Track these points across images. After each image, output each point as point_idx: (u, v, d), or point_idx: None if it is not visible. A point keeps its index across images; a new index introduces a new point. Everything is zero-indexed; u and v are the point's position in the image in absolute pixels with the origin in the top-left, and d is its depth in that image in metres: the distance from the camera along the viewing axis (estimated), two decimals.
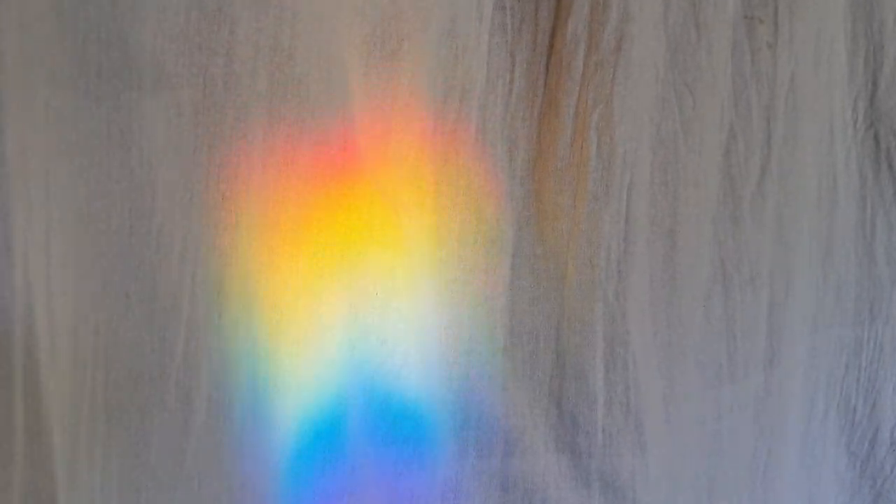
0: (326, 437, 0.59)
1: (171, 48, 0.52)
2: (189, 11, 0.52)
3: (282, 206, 0.56)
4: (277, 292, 0.56)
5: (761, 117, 0.71)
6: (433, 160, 0.62)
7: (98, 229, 0.50)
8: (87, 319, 0.50)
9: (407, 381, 0.61)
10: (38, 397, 0.47)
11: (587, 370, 0.65)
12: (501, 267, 0.63)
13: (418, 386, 0.61)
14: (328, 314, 0.58)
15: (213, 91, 0.53)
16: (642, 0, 0.63)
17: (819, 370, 0.80)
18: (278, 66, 0.54)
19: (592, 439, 0.65)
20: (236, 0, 0.53)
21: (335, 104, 0.57)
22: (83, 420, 0.50)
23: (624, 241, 0.65)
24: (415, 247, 0.61)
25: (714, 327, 0.73)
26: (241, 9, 0.53)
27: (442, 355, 0.62)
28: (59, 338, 0.49)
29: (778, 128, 0.72)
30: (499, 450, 0.64)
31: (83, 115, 0.49)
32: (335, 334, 0.58)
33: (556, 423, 0.65)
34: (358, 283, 0.59)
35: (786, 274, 0.75)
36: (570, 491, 0.65)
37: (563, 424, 0.65)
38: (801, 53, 0.72)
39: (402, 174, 0.61)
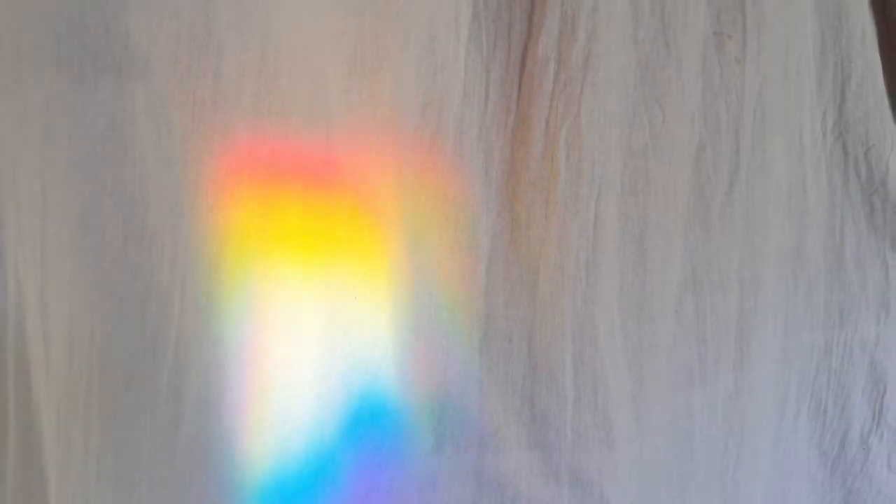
0: (309, 432, 0.62)
1: (163, 70, 0.55)
2: (179, 36, 0.56)
3: (266, 217, 0.60)
4: (262, 297, 0.60)
5: (730, 129, 0.74)
6: (412, 171, 0.65)
7: (93, 239, 0.54)
8: (83, 323, 0.54)
9: (386, 380, 0.64)
10: (29, 395, 0.51)
11: (557, 370, 0.68)
12: (477, 273, 0.67)
13: (397, 385, 0.65)
14: (310, 317, 0.61)
15: (201, 110, 0.57)
16: (610, 20, 0.66)
17: (790, 372, 0.82)
18: (263, 86, 0.58)
19: (562, 436, 0.68)
20: (223, 25, 0.57)
21: (318, 121, 0.61)
22: (79, 417, 0.54)
23: (593, 249, 0.68)
24: (394, 254, 0.64)
25: (685, 330, 0.76)
26: (228, 33, 0.57)
27: (420, 356, 0.65)
28: (54, 340, 0.52)
29: (746, 139, 0.75)
30: (474, 445, 0.67)
31: (78, 134, 0.53)
32: (317, 335, 0.62)
33: (528, 420, 0.68)
34: (339, 288, 0.62)
35: (755, 279, 0.78)
36: (540, 485, 0.69)
37: (535, 422, 0.68)
38: (770, 68, 0.75)
39: (382, 185, 0.64)
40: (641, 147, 0.71)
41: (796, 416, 0.84)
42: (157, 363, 0.57)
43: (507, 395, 0.68)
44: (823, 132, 0.80)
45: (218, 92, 0.57)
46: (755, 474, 0.81)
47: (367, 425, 0.65)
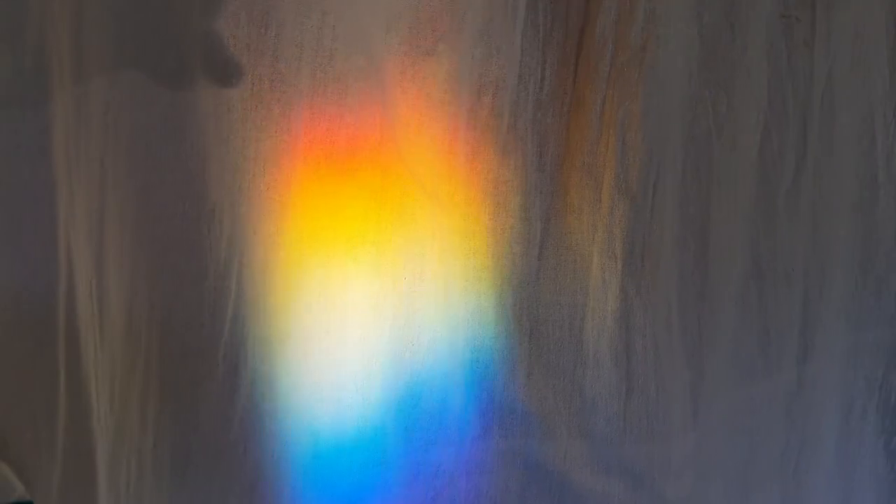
0: (359, 413, 0.63)
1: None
2: (238, 15, 0.57)
3: (321, 196, 0.61)
4: (315, 275, 0.61)
5: (797, 115, 0.72)
6: (466, 154, 0.65)
7: (153, 214, 0.56)
8: (142, 296, 0.56)
9: (434, 362, 0.64)
10: (79, 363, 0.53)
11: (609, 360, 0.67)
12: (529, 257, 0.66)
13: (445, 368, 0.65)
14: (361, 296, 0.62)
15: (260, 88, 0.58)
16: (671, 2, 0.65)
17: (858, 369, 0.79)
18: (320, 65, 0.59)
19: (613, 426, 0.67)
20: (282, 5, 0.58)
21: (373, 101, 0.61)
22: (137, 385, 0.56)
23: (649, 237, 0.67)
24: (445, 236, 0.65)
25: (747, 322, 0.74)
26: (287, 13, 0.58)
27: (469, 340, 0.65)
28: (111, 312, 0.54)
29: (814, 126, 0.72)
30: (521, 432, 0.67)
31: (140, 111, 0.54)
32: (367, 315, 0.62)
33: (578, 409, 0.68)
34: (390, 269, 0.63)
35: (821, 271, 0.75)
36: (590, 474, 0.68)
37: (585, 411, 0.68)
38: (840, 52, 0.72)
39: (435, 167, 0.64)
40: (705, 133, 0.70)
41: (863, 414, 0.81)
42: (215, 337, 0.59)
43: (557, 382, 0.68)
44: None
45: (276, 71, 0.58)
46: (818, 472, 0.78)
47: (416, 408, 0.65)
